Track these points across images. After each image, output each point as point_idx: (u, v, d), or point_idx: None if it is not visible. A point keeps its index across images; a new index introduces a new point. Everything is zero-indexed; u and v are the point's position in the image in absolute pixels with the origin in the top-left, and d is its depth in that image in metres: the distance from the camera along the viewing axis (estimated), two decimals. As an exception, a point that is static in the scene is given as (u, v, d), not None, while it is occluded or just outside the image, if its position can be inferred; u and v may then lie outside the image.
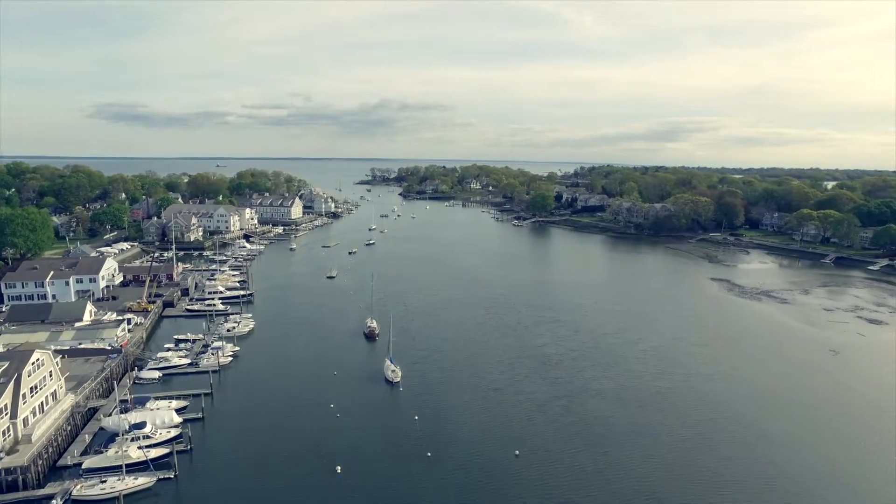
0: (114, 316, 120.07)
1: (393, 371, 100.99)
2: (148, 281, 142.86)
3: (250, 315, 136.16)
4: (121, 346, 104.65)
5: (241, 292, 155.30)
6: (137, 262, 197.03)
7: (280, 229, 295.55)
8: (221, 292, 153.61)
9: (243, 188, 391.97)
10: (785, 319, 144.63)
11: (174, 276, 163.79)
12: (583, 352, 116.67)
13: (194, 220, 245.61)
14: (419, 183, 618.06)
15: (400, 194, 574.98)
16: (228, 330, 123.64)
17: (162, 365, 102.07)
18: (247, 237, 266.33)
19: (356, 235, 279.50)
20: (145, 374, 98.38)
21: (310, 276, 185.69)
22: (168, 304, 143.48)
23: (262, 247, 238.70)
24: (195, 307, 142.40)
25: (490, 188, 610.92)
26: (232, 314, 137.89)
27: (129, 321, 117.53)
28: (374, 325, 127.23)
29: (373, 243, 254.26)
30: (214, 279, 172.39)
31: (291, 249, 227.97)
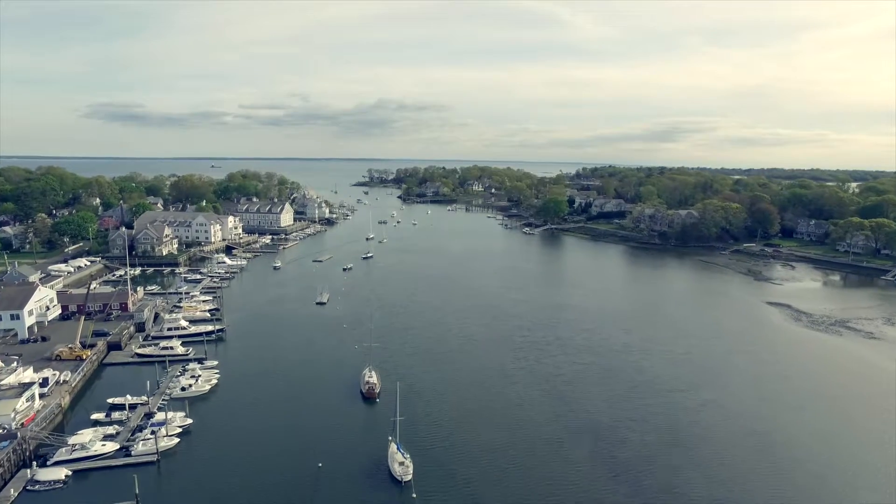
0: (25, 374, 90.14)
1: (401, 464, 71.89)
2: (82, 320, 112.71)
3: (215, 364, 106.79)
4: (22, 424, 75.47)
5: (210, 327, 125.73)
6: (95, 284, 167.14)
7: (268, 239, 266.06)
8: (185, 328, 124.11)
9: (231, 192, 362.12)
10: (888, 364, 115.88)
11: (129, 305, 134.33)
12: (652, 423, 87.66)
13: (168, 231, 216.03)
14: (419, 185, 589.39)
15: (399, 197, 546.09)
16: (183, 388, 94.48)
17: (76, 455, 72.66)
18: (229, 249, 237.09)
19: (352, 247, 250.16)
20: (46, 473, 68.91)
21: (296, 302, 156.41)
22: (114, 347, 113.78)
23: (244, 262, 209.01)
24: (148, 350, 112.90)
25: (493, 190, 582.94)
26: (194, 360, 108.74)
27: (44, 382, 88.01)
28: (375, 379, 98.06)
29: (370, 256, 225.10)
30: (180, 308, 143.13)
31: (276, 268, 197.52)
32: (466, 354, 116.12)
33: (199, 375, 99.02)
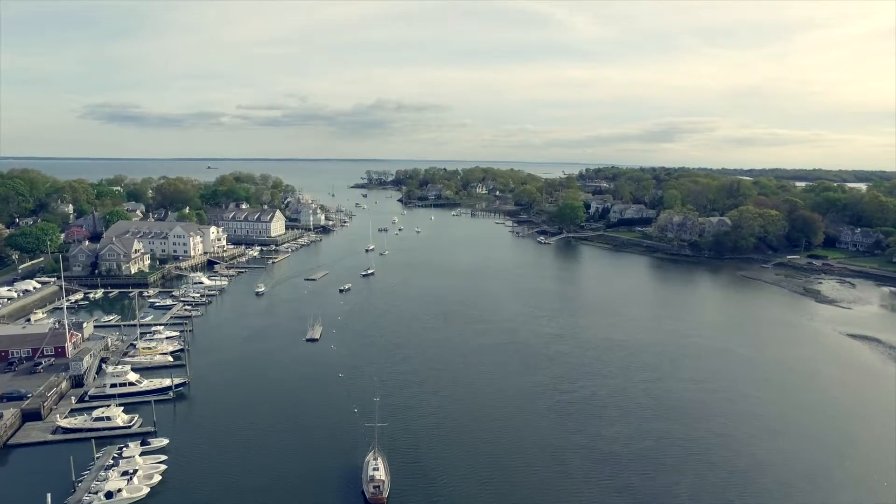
0: None
1: None
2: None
3: (164, 444, 78.93)
4: None
5: (168, 381, 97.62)
6: (39, 315, 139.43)
7: (256, 251, 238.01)
8: (133, 384, 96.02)
9: (220, 197, 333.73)
10: None
11: (67, 349, 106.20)
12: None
13: (138, 245, 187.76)
14: (419, 187, 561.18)
15: (399, 200, 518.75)
16: (109, 495, 66.50)
17: None
18: (210, 264, 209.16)
19: (350, 260, 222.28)
20: None
21: (283, 337, 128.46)
22: (31, 416, 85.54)
23: (225, 282, 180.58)
24: (77, 421, 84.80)
25: (497, 193, 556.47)
26: (137, 436, 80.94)
27: None
28: (382, 473, 70.11)
29: (371, 273, 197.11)
30: (136, 347, 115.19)
31: (258, 293, 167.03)
32: (500, 424, 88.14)
33: (137, 469, 70.99)
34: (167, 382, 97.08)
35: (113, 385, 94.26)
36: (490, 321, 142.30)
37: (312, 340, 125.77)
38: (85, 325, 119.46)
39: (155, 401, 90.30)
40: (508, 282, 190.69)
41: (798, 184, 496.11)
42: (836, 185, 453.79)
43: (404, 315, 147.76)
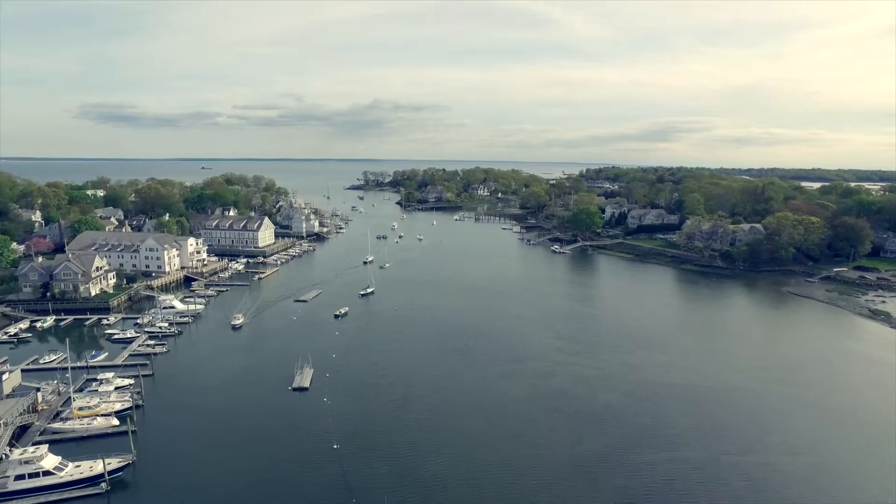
0: None
1: None
2: None
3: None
4: None
5: (100, 467, 71.74)
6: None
7: (241, 264, 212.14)
8: (49, 473, 70.35)
9: (205, 201, 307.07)
10: None
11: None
12: None
13: (100, 262, 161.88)
14: (418, 189, 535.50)
15: (398, 203, 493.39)
16: None
17: None
18: (188, 281, 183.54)
19: (346, 276, 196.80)
20: None
21: (263, 385, 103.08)
22: None
23: (201, 305, 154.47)
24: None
25: (500, 195, 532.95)
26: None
27: None
28: None
29: (371, 292, 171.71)
30: (68, 412, 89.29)
31: (235, 327, 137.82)
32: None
33: None
34: (99, 468, 71.39)
35: (19, 477, 68.61)
36: (518, 360, 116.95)
37: (301, 390, 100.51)
38: (7, 375, 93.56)
39: (78, 498, 65.17)
40: (529, 302, 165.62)
41: (805, 184, 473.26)
42: (853, 185, 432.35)
43: (412, 351, 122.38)
